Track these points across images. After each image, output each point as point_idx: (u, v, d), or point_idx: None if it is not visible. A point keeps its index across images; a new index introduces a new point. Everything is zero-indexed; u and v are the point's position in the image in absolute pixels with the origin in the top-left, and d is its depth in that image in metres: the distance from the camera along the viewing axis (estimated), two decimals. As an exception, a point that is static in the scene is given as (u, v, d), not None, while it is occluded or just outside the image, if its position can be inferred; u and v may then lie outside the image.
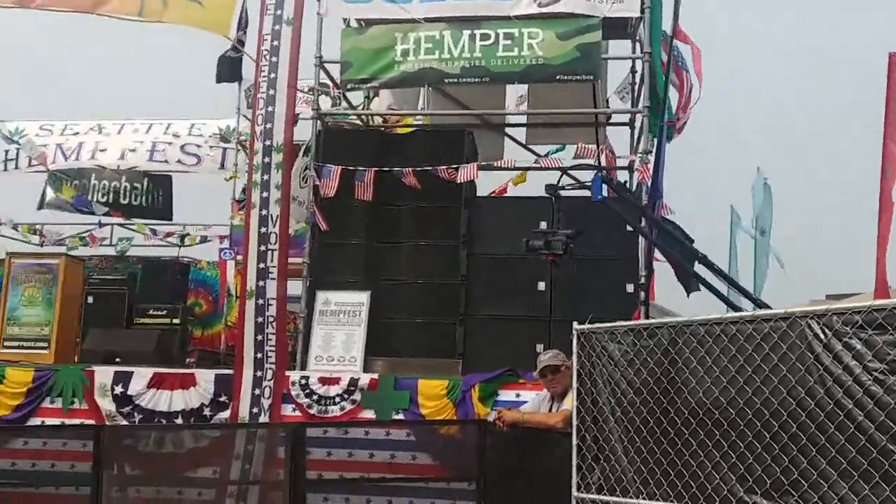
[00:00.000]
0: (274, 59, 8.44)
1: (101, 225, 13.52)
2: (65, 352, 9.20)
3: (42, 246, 13.23)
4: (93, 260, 13.66)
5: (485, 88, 9.60)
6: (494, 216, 8.71)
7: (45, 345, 9.10)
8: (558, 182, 6.84)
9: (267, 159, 8.28)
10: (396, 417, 7.87)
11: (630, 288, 8.31)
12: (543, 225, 7.60)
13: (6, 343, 9.17)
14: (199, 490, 7.43)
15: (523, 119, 10.88)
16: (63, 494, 6.74)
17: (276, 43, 8.47)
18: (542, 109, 10.02)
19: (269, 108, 8.35)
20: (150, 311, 10.23)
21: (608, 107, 9.99)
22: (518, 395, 7.63)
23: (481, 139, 10.04)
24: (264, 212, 8.21)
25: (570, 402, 5.67)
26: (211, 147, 13.48)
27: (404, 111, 10.33)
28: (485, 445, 6.42)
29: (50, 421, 8.06)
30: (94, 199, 13.72)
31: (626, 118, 10.16)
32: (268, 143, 8.30)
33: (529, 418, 6.19)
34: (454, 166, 8.34)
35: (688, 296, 8.23)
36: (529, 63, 8.61)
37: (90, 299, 10.47)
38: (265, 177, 8.26)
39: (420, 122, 10.59)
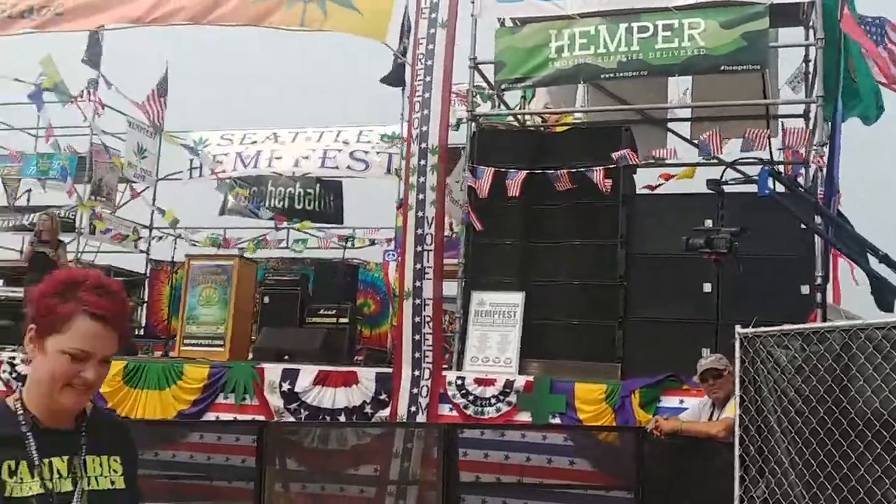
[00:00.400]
0: (429, 62, 8.53)
1: (277, 229, 14.16)
2: (239, 349, 9.68)
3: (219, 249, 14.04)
4: (270, 262, 14.45)
5: (646, 83, 9.29)
6: (654, 214, 8.38)
7: (221, 342, 9.64)
8: (721, 177, 6.47)
9: (423, 161, 8.38)
10: (553, 421, 7.75)
11: (805, 289, 7.76)
12: (708, 223, 7.23)
13: (186, 341, 9.79)
14: (361, 487, 7.64)
15: (688, 113, 10.43)
16: (235, 487, 7.08)
17: (430, 46, 8.56)
18: (706, 102, 9.54)
19: (425, 111, 8.44)
20: (321, 311, 10.66)
21: (779, 97, 9.39)
22: (682, 402, 7.29)
23: (642, 136, 9.71)
24: (420, 213, 8.30)
25: (732, 410, 5.35)
26: (378, 153, 13.84)
27: (560, 110, 10.14)
28: (643, 454, 6.19)
29: (224, 416, 8.47)
30: (271, 205, 14.40)
31: (799, 110, 9.52)
32: (423, 145, 8.40)
33: (689, 427, 5.89)
34: (610, 165, 8.08)
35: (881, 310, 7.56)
36: (691, 54, 8.24)
37: (266, 299, 11.06)
38: (421, 179, 8.35)
39: (581, 121, 10.38)
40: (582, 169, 8.18)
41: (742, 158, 7.06)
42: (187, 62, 14.75)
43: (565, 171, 8.22)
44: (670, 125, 10.56)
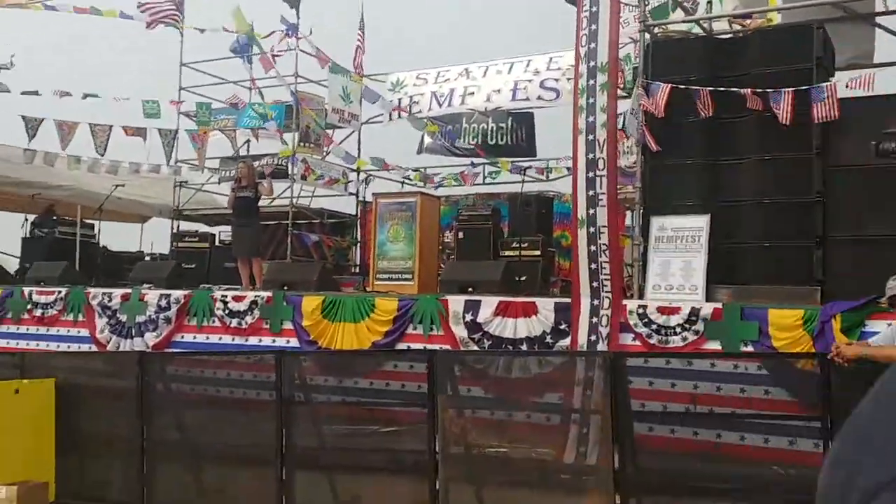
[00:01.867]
0: (596, -25, 8.11)
1: (473, 165, 14.32)
2: (428, 282, 9.98)
3: (424, 186, 14.44)
4: (469, 198, 14.69)
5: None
6: (855, 120, 7.50)
7: (410, 276, 9.99)
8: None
9: (591, 81, 8.04)
10: (745, 350, 7.33)
11: None
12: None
13: (378, 276, 10.23)
14: (548, 415, 7.68)
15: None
16: (412, 412, 7.38)
17: (598, -43, 8.13)
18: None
19: (593, 27, 8.06)
20: (514, 244, 10.73)
21: None
22: (890, 325, 6.64)
23: (845, 35, 8.75)
24: (591, 137, 8.00)
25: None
26: (569, 79, 13.49)
27: (745, 10, 9.31)
28: (830, 382, 5.71)
29: (415, 345, 8.80)
30: (465, 141, 14.55)
31: None
32: (591, 63, 8.05)
33: (877, 352, 5.35)
34: (803, 88, 7.30)
35: None
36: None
37: (461, 234, 11.30)
38: (590, 100, 8.03)
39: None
40: (769, 91, 7.49)
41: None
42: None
43: (749, 90, 7.57)
44: (879, 20, 9.37)
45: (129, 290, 10.65)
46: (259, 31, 13.60)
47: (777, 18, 10.31)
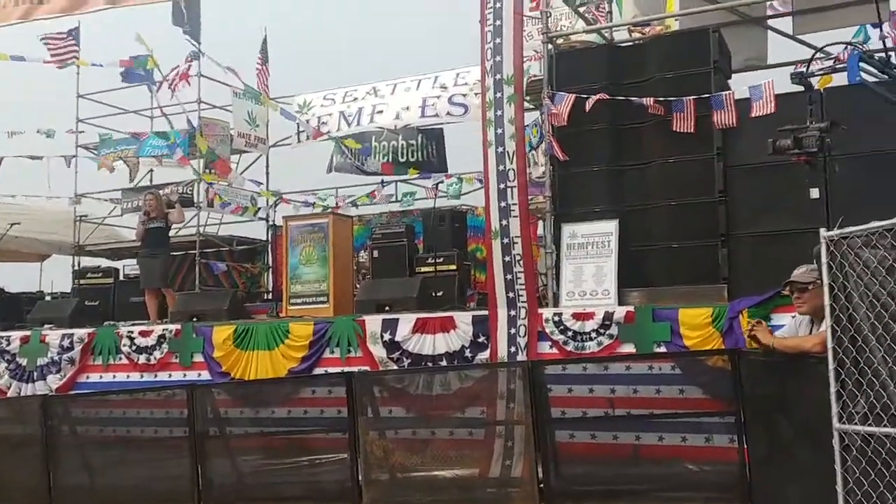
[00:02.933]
0: (498, -14, 8.14)
1: (383, 184, 14.21)
2: (343, 304, 9.80)
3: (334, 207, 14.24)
4: (382, 217, 14.56)
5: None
6: (752, 120, 7.67)
7: (325, 299, 9.79)
8: (807, 68, 5.89)
9: (498, 94, 8.06)
10: (658, 351, 7.40)
11: (924, 184, 7.00)
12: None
13: (292, 300, 10.00)
14: (471, 430, 7.59)
15: (790, 8, 9.56)
16: (333, 438, 7.18)
17: (498, -30, 8.16)
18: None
19: (497, 41, 8.09)
20: (429, 260, 10.63)
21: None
22: (793, 317, 6.79)
23: (739, 38, 9.00)
24: (500, 149, 8.02)
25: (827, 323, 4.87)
26: (476, 94, 13.53)
27: (642, 19, 9.50)
28: (740, 376, 5.79)
29: (333, 369, 8.60)
30: (375, 160, 14.44)
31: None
32: (498, 76, 8.07)
33: (781, 343, 5.42)
34: (704, 96, 7.50)
35: None
36: (783, -58, 7.51)
37: (375, 253, 11.15)
38: (498, 112, 8.05)
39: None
40: (671, 99, 7.65)
41: (831, 45, 6.34)
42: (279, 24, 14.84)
43: (651, 98, 7.71)
44: (771, 23, 9.70)
45: (29, 333, 10.17)
46: (161, 58, 13.30)
47: (675, 25, 10.57)
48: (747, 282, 7.45)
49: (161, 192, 13.49)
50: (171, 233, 11.96)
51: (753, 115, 7.33)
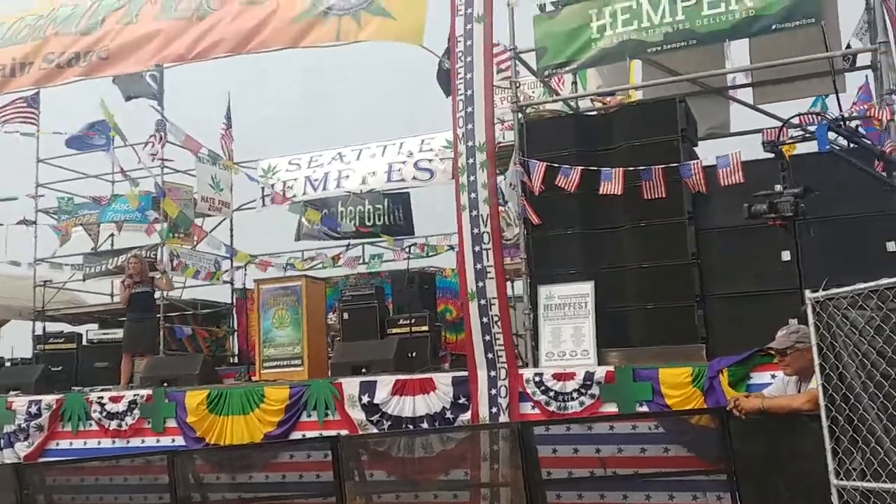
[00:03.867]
0: (468, 58, 8.41)
1: (348, 247, 14.28)
2: (318, 367, 9.76)
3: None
4: (350, 279, 14.58)
5: (702, 52, 8.95)
6: (721, 185, 7.99)
7: (299, 362, 9.74)
8: (778, 137, 6.18)
9: (471, 160, 8.26)
10: (640, 410, 7.51)
11: (892, 246, 7.34)
12: (779, 189, 6.91)
13: (265, 364, 9.93)
14: (455, 492, 7.55)
15: (750, 78, 10.01)
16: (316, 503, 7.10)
17: (468, 42, 8.44)
18: (763, 63, 9.07)
19: (469, 109, 8.33)
20: (400, 321, 10.66)
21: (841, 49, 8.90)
22: (773, 377, 6.95)
23: (702, 107, 9.38)
24: (474, 212, 8.18)
25: (816, 382, 5.05)
26: (441, 159, 13.78)
27: (607, 90, 9.88)
28: (730, 434, 5.91)
29: (310, 433, 8.53)
30: (344, 224, 14.52)
31: (868, 60, 8.97)
32: (470, 143, 8.29)
33: (771, 403, 5.58)
34: (673, 165, 7.81)
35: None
36: (740, 17, 7.94)
37: (345, 315, 11.13)
38: (471, 178, 8.24)
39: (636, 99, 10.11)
40: (640, 168, 7.93)
41: (799, 115, 6.67)
42: (243, 90, 14.96)
43: (620, 169, 7.98)
44: (732, 93, 10.15)
45: (-8, 400, 9.90)
46: (122, 123, 13.27)
47: (636, 95, 10.98)
48: (724, 341, 7.64)
49: (121, 257, 13.39)
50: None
51: (721, 183, 7.62)
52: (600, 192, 7.96)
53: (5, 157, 14.42)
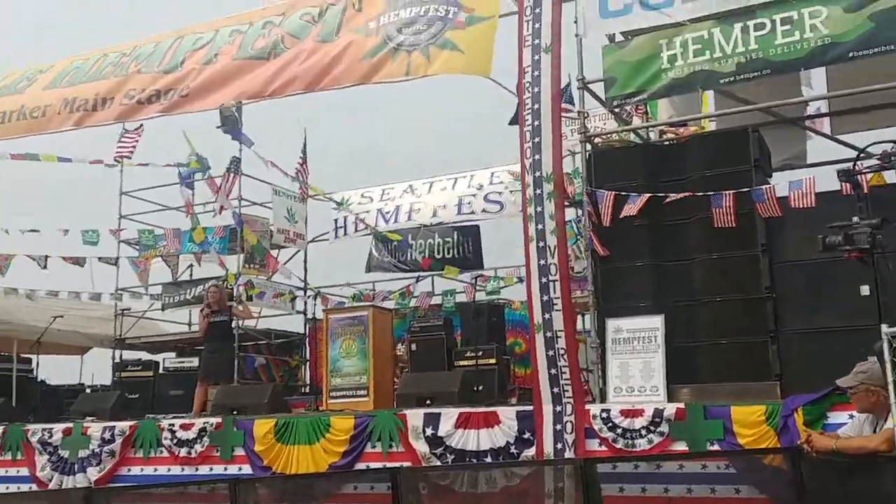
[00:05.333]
0: (536, 89, 8.38)
1: (418, 280, 14.35)
2: (383, 397, 9.76)
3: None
4: (419, 310, 14.61)
5: (777, 81, 8.74)
6: (796, 217, 7.71)
7: (365, 392, 9.77)
8: (854, 166, 5.96)
9: (538, 191, 8.20)
10: (712, 449, 7.27)
11: (978, 280, 6.96)
12: (855, 220, 6.65)
13: (332, 394, 9.98)
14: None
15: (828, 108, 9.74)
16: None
17: (536, 73, 8.42)
18: (840, 92, 8.81)
19: (536, 140, 8.29)
20: (468, 353, 10.61)
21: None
22: (851, 417, 6.66)
23: (778, 138, 9.14)
24: (541, 244, 8.11)
25: (892, 421, 4.81)
26: (511, 191, 13.78)
27: (678, 119, 9.72)
28: (802, 476, 5.65)
29: (374, 465, 8.50)
30: (412, 258, 14.60)
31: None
32: (538, 174, 8.24)
33: (845, 444, 5.33)
34: (745, 190, 7.61)
35: None
36: (815, 45, 7.74)
37: (413, 346, 11.15)
38: (538, 209, 8.18)
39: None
40: (710, 193, 7.76)
41: (876, 143, 6.41)
42: (316, 123, 15.26)
43: (690, 193, 7.83)
44: (810, 123, 9.87)
45: (71, 425, 10.18)
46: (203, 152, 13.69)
47: (709, 126, 10.79)
48: (800, 379, 7.35)
49: (199, 287, 13.74)
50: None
51: (792, 205, 7.40)
52: (666, 200, 7.74)
53: (86, 192, 14.98)
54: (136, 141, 13.76)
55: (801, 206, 7.37)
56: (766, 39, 7.93)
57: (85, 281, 13.96)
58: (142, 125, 13.39)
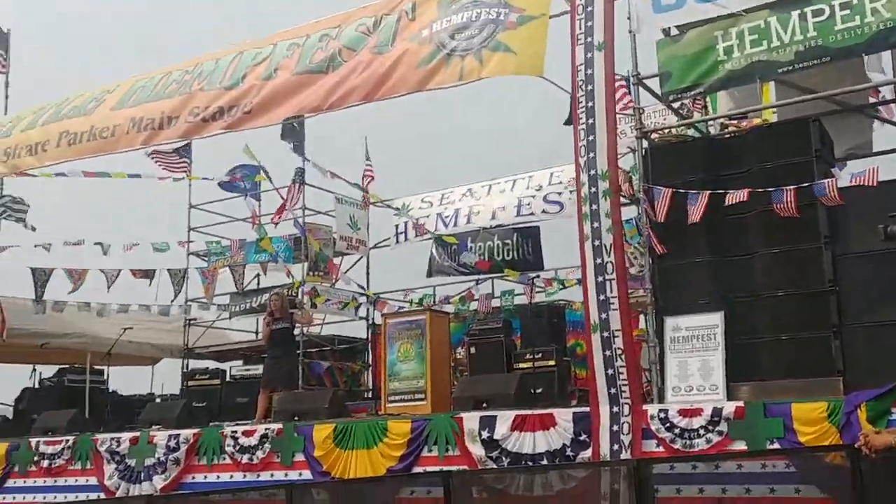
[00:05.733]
0: (590, 87, 8.27)
1: (478, 282, 14.31)
2: (441, 400, 9.74)
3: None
4: (479, 312, 14.57)
5: (841, 68, 8.44)
6: (860, 207, 7.41)
7: (423, 395, 9.76)
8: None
9: (593, 189, 8.09)
10: (771, 447, 7.05)
11: None
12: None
13: (391, 398, 10.01)
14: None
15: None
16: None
17: (589, 71, 8.31)
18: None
19: (591, 138, 8.17)
20: (527, 356, 10.52)
21: None
22: (920, 409, 6.42)
23: (843, 126, 8.83)
24: (597, 242, 7.99)
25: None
26: (571, 191, 13.62)
27: (738, 111, 9.46)
28: (861, 473, 5.42)
29: (431, 468, 8.46)
30: (473, 261, 14.56)
31: None
32: (592, 172, 8.12)
33: (905, 438, 5.08)
34: (804, 185, 7.36)
35: None
36: (877, 29, 7.47)
37: (472, 349, 11.12)
38: (594, 207, 8.06)
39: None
40: (770, 189, 7.53)
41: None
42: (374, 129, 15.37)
43: (747, 190, 7.61)
44: (878, 110, 9.50)
45: (138, 434, 10.44)
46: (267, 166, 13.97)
47: (772, 118, 10.47)
48: (864, 374, 7.08)
49: (265, 295, 13.97)
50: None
51: (852, 183, 7.14)
52: (726, 202, 7.57)
53: (156, 205, 15.41)
54: (182, 161, 14.12)
55: (866, 184, 7.08)
56: (826, 26, 7.68)
57: (154, 294, 14.39)
58: (187, 145, 13.72)
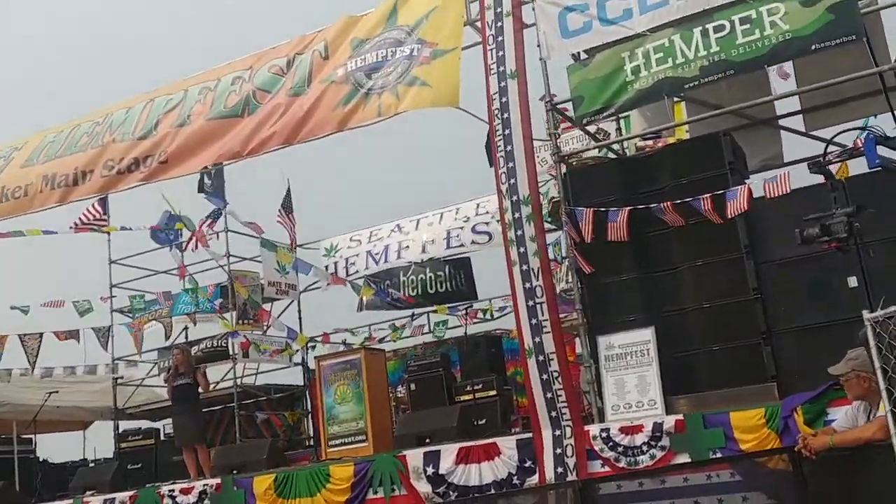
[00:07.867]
0: (505, 115, 8.38)
1: (413, 317, 14.25)
2: (382, 440, 9.58)
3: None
4: (416, 349, 14.49)
5: (746, 83, 8.71)
6: (777, 215, 7.61)
7: (364, 437, 9.59)
8: (823, 157, 5.90)
9: (517, 214, 8.15)
10: (714, 458, 7.12)
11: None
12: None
13: (331, 442, 9.81)
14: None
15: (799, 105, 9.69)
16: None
17: (504, 99, 8.42)
18: (806, 87, 8.74)
19: (510, 164, 8.25)
20: (467, 388, 10.48)
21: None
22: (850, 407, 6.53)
23: (753, 139, 9.10)
24: (525, 266, 8.04)
25: (884, 408, 4.68)
26: (498, 220, 13.70)
27: (648, 130, 9.69)
28: (803, 473, 5.52)
29: (379, 511, 8.33)
30: (405, 294, 14.50)
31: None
32: (514, 198, 8.19)
33: (841, 438, 5.22)
34: (720, 192, 7.53)
35: None
36: (776, 42, 7.70)
37: (412, 386, 11.02)
38: (518, 232, 8.12)
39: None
40: (688, 200, 7.69)
41: (844, 131, 6.36)
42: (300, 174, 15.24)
43: (668, 203, 7.75)
44: (782, 122, 9.82)
45: (71, 501, 10.00)
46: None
47: (685, 136, 10.74)
48: (797, 378, 7.23)
49: (194, 348, 13.58)
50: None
51: (768, 195, 7.32)
52: (713, 221, 7.66)
53: (77, 261, 14.94)
54: (101, 214, 13.75)
55: (777, 195, 7.27)
56: (727, 40, 7.90)
57: (79, 354, 13.88)
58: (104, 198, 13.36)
